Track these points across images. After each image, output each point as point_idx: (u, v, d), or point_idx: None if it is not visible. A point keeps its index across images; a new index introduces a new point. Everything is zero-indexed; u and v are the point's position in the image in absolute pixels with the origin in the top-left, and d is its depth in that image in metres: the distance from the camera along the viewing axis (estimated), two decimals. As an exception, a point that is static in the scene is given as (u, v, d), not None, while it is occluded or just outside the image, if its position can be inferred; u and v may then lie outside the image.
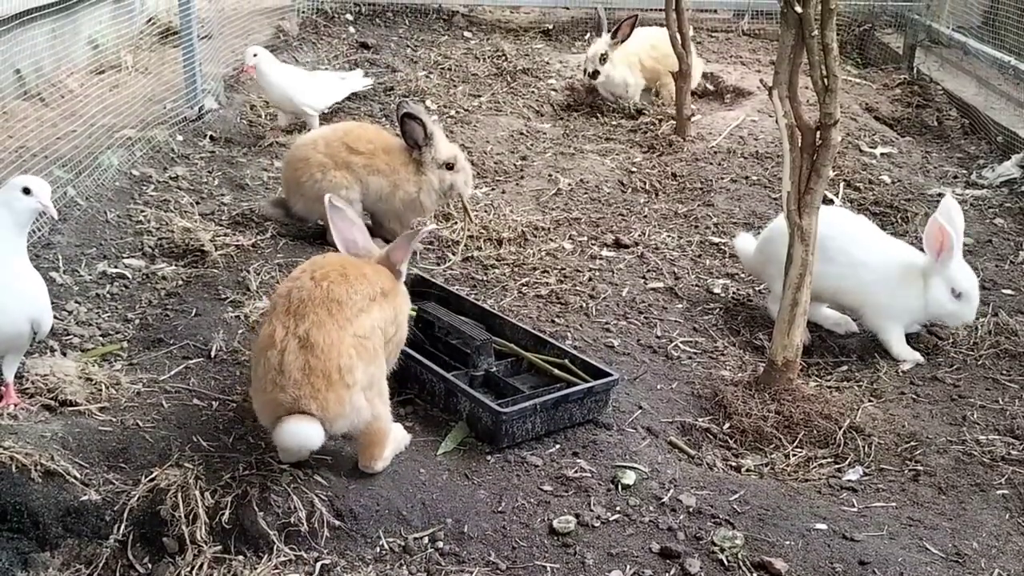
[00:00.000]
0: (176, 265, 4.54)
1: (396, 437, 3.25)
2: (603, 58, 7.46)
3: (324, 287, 3.03)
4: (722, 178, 6.29)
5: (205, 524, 2.83)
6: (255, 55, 6.24)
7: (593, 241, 5.32)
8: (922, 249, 4.27)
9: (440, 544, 2.91)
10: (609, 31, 7.56)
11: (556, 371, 3.71)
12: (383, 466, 3.14)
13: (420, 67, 8.32)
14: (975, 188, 6.38)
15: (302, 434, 2.91)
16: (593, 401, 3.55)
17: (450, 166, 4.95)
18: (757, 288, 4.95)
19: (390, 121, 6.86)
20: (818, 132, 3.68)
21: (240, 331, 3.96)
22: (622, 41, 7.47)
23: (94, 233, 4.76)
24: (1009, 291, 4.94)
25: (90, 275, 4.38)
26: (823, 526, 3.09)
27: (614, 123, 7.49)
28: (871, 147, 6.95)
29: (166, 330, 3.95)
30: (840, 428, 3.73)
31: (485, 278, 4.81)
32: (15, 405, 3.30)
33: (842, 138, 6.32)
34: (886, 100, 8.20)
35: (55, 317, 3.95)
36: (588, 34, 7.94)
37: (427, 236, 4.42)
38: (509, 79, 8.26)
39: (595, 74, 7.49)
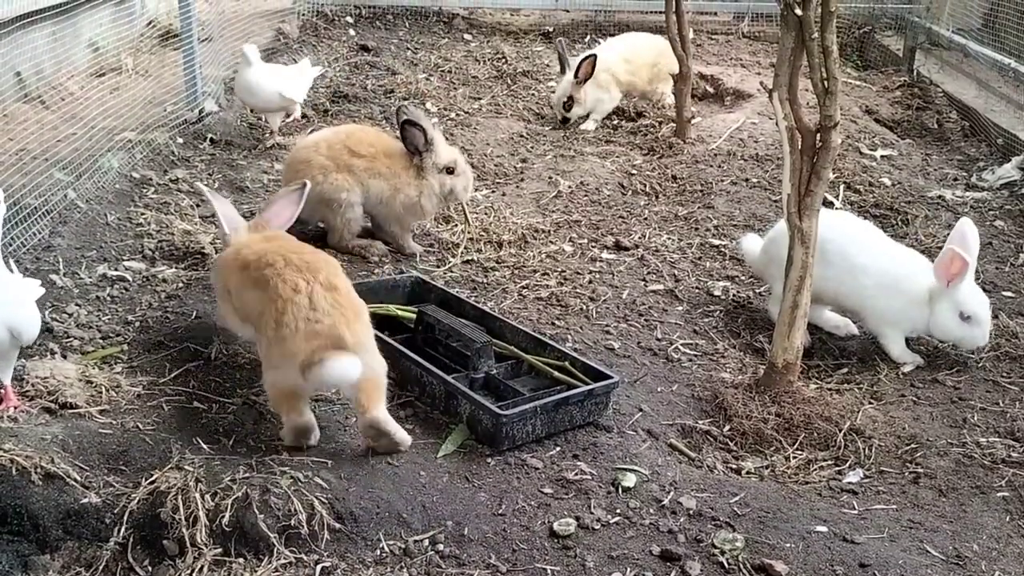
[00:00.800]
0: (176, 268, 4.54)
1: (399, 430, 3.28)
2: (567, 104, 7.29)
3: (311, 254, 3.46)
4: (722, 180, 6.29)
5: (205, 527, 2.83)
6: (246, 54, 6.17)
7: (593, 243, 5.32)
8: (923, 251, 4.27)
9: (440, 546, 2.91)
10: (571, 68, 7.26)
11: (556, 373, 3.71)
12: (382, 418, 3.21)
13: (420, 69, 8.33)
14: (975, 190, 6.39)
15: (342, 365, 3.08)
16: (593, 403, 3.55)
17: (450, 170, 4.94)
18: (757, 290, 4.95)
19: (390, 123, 6.87)
20: (818, 134, 3.68)
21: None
22: (584, 81, 7.21)
23: (94, 236, 4.76)
24: (1009, 293, 4.94)
25: (90, 278, 4.38)
26: (823, 528, 3.08)
27: (614, 125, 7.49)
28: (871, 149, 6.96)
29: (166, 333, 3.95)
30: (840, 430, 3.73)
31: (485, 280, 4.81)
32: (15, 408, 3.29)
33: (842, 140, 6.32)
34: (886, 102, 8.21)
35: (55, 319, 3.96)
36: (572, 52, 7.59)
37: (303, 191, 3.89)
38: (509, 81, 8.27)
39: (565, 121, 7.36)
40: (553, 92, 7.56)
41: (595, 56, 7.26)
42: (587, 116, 7.40)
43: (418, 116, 4.88)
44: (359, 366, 3.12)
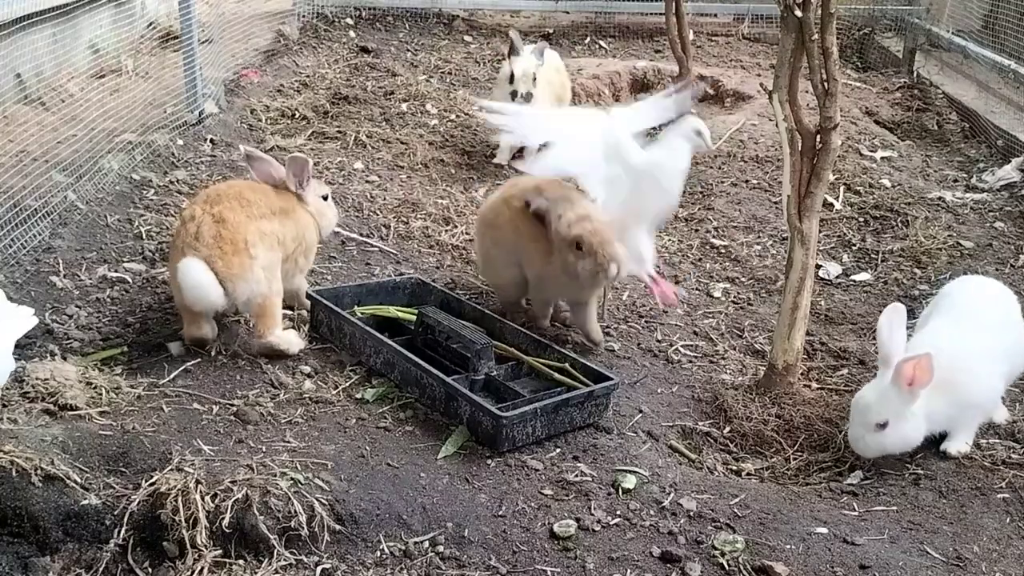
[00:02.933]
0: (176, 269, 4.54)
1: (291, 339, 3.89)
2: (535, 78, 6.32)
3: (237, 190, 3.91)
4: (722, 182, 6.30)
5: (205, 528, 2.83)
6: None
7: (593, 245, 5.31)
8: None
9: (440, 548, 2.91)
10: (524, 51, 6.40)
11: (556, 375, 3.71)
12: (274, 341, 3.82)
13: (420, 71, 8.33)
14: (975, 192, 6.39)
15: (187, 266, 3.62)
16: (593, 405, 3.55)
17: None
18: (757, 292, 4.95)
19: (390, 125, 6.88)
20: (818, 136, 3.69)
21: (240, 335, 3.96)
22: (542, 65, 6.37)
23: (94, 237, 4.76)
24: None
25: (90, 279, 4.38)
26: (824, 530, 3.08)
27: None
28: (871, 151, 6.96)
29: (166, 334, 3.94)
30: (841, 432, 3.73)
31: (485, 281, 4.81)
32: None
33: (842, 142, 6.33)
34: (886, 104, 8.21)
35: (55, 321, 3.96)
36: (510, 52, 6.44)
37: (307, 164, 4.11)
38: (509, 83, 8.26)
39: (528, 96, 6.26)
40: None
41: (545, 46, 6.55)
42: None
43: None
44: (211, 280, 3.62)
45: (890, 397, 3.41)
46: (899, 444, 3.49)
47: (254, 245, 3.74)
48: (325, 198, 4.27)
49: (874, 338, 4.45)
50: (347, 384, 3.74)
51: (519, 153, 6.51)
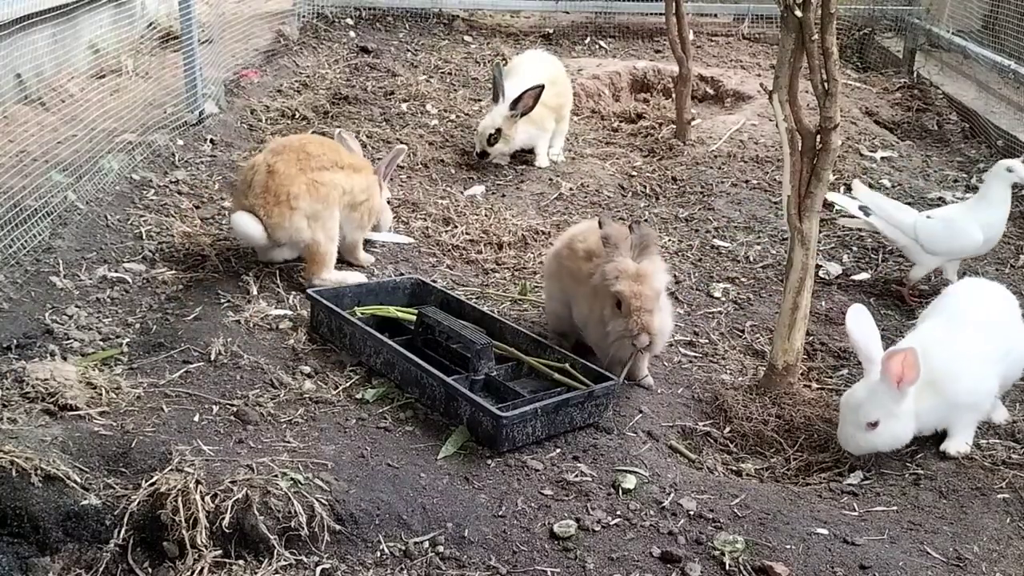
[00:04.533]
0: (176, 269, 4.54)
1: (346, 278, 4.50)
2: (492, 138, 6.22)
3: (301, 143, 4.49)
4: (722, 182, 6.30)
5: (205, 528, 2.83)
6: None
7: (593, 245, 5.31)
8: None
9: (440, 548, 2.91)
10: (507, 99, 6.21)
11: (556, 375, 3.71)
12: (319, 283, 4.38)
13: (420, 71, 8.33)
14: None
15: (242, 222, 4.28)
16: (593, 405, 3.55)
17: None
18: (758, 292, 4.95)
19: (390, 125, 6.88)
20: (818, 136, 3.69)
21: (240, 335, 3.96)
22: (523, 114, 6.19)
23: (94, 237, 4.76)
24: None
25: (90, 279, 4.38)
26: (824, 530, 3.08)
27: (614, 127, 7.49)
28: (871, 151, 6.96)
29: (166, 334, 3.94)
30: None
31: (485, 282, 4.81)
32: None
33: (842, 142, 6.33)
34: (886, 104, 8.21)
35: (55, 321, 3.96)
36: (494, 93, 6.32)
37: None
38: (509, 83, 8.26)
39: (483, 155, 6.27)
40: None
41: (541, 87, 6.20)
42: (510, 154, 6.45)
43: None
44: (258, 228, 4.28)
45: (880, 396, 3.41)
46: (889, 443, 3.49)
47: (297, 197, 4.29)
48: (388, 202, 4.93)
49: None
50: (347, 384, 3.74)
51: (521, 152, 6.52)
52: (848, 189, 6.20)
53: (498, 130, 6.20)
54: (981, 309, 3.75)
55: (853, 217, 5.14)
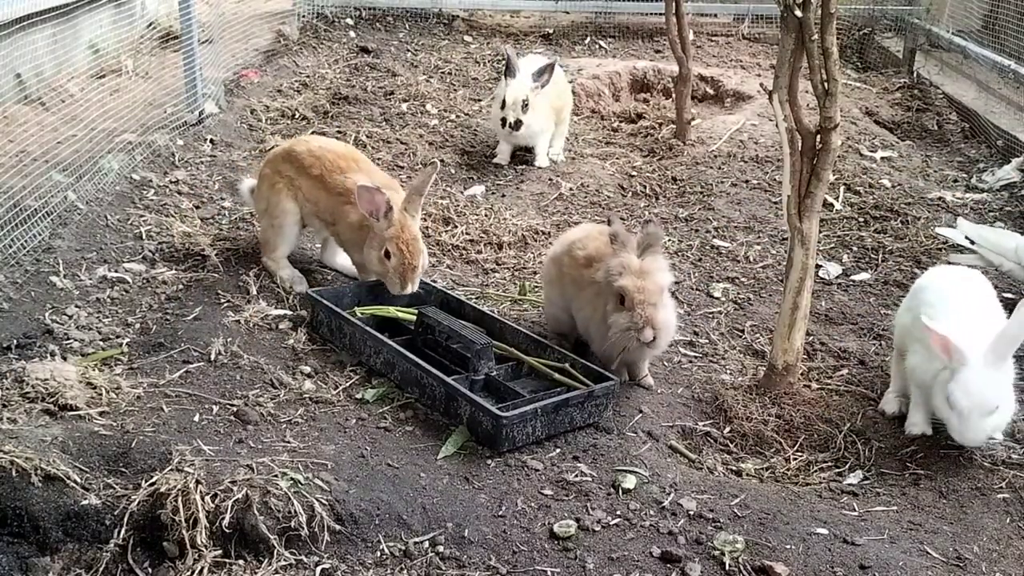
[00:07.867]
0: (176, 269, 4.54)
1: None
2: (525, 104, 6.15)
3: (307, 148, 4.61)
4: (722, 182, 6.30)
5: (205, 528, 2.83)
6: None
7: (593, 245, 5.31)
8: None
9: (440, 548, 2.91)
10: (525, 73, 6.21)
11: (556, 375, 3.71)
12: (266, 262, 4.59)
13: (420, 71, 8.33)
14: (975, 192, 6.39)
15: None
16: (593, 405, 3.55)
17: None
18: (757, 292, 4.95)
19: (390, 125, 6.88)
20: (818, 136, 3.68)
21: (240, 335, 3.96)
22: (542, 87, 6.21)
23: (94, 237, 4.76)
24: (1009, 295, 4.94)
25: (90, 279, 4.38)
26: (824, 530, 3.08)
27: (613, 127, 7.49)
28: (871, 151, 6.96)
29: (166, 334, 3.94)
30: (840, 432, 3.73)
31: (485, 282, 4.81)
32: None
33: (842, 142, 6.32)
34: (886, 104, 8.21)
35: (55, 321, 3.96)
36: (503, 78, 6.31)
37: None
38: (509, 83, 8.26)
39: (518, 124, 6.16)
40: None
41: (554, 63, 6.37)
42: (511, 154, 6.45)
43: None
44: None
45: (996, 381, 3.46)
46: (1008, 420, 3.59)
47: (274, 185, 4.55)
48: (387, 255, 4.12)
49: (874, 338, 4.47)
50: (347, 384, 3.74)
51: (522, 152, 6.51)
52: (847, 189, 6.21)
53: (527, 99, 6.13)
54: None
55: (960, 249, 5.27)
